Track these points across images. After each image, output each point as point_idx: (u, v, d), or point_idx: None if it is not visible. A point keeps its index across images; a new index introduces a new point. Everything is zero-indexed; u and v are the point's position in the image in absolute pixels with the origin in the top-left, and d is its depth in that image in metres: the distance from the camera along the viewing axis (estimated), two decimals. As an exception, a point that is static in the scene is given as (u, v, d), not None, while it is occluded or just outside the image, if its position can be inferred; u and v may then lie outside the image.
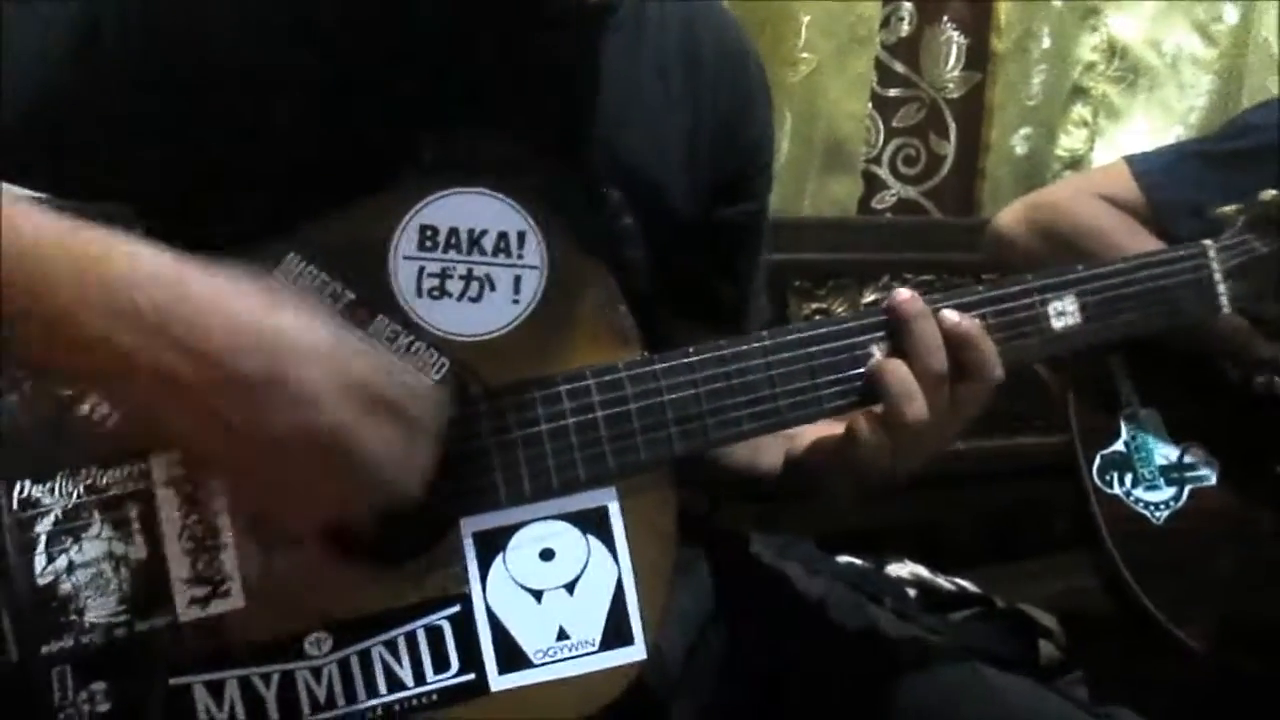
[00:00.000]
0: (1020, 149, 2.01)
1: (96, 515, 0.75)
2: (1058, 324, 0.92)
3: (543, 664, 0.81)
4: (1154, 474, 1.37)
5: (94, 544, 0.75)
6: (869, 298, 1.85)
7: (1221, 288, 1.00)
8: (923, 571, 1.69)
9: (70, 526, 0.75)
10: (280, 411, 0.66)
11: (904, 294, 0.87)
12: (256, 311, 0.67)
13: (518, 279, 0.81)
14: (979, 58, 1.96)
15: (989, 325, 0.89)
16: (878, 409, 0.87)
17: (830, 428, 0.91)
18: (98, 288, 0.65)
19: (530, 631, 0.81)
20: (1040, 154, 2.03)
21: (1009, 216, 1.47)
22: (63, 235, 0.67)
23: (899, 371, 0.85)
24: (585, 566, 0.82)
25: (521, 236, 0.81)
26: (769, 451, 1.01)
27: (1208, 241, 1.01)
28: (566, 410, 0.81)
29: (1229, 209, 1.05)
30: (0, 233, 0.65)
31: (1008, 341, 0.90)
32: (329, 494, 0.69)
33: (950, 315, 0.87)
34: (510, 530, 0.82)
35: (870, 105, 1.89)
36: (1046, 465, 1.55)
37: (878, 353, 0.87)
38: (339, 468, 0.67)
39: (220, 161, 0.81)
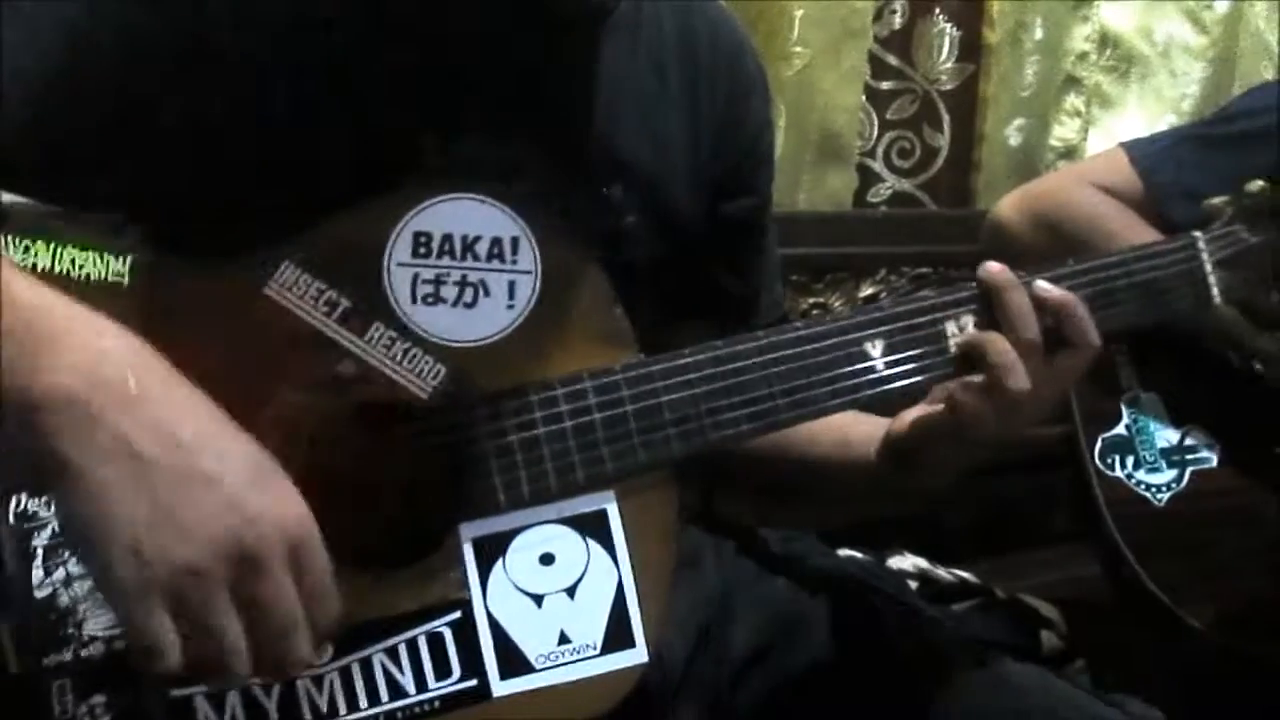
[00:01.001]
0: (1014, 140, 2.01)
1: None
2: None
3: (544, 669, 0.81)
4: (1155, 456, 1.37)
5: None
6: (866, 291, 1.84)
7: (1212, 279, 1.00)
8: (923, 563, 1.68)
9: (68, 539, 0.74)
10: (219, 512, 0.67)
11: (994, 266, 0.90)
12: (229, 426, 0.70)
13: (512, 284, 0.81)
14: (972, 49, 1.96)
15: None
16: (979, 379, 0.88)
17: (926, 406, 0.93)
18: (82, 358, 0.67)
19: (531, 636, 0.81)
20: (1034, 144, 2.02)
21: (1007, 206, 1.47)
22: (53, 306, 0.69)
23: (998, 343, 0.88)
24: (585, 570, 0.82)
25: (515, 242, 0.81)
26: (860, 440, 1.01)
27: (1197, 233, 1.01)
28: (564, 414, 0.81)
29: (1217, 201, 1.06)
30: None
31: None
32: (227, 610, 0.68)
33: (1043, 285, 0.89)
34: (510, 535, 0.81)
35: (864, 98, 1.88)
36: (1045, 456, 1.55)
37: (875, 350, 0.87)
38: (251, 588, 0.67)
39: (216, 168, 0.81)
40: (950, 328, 0.89)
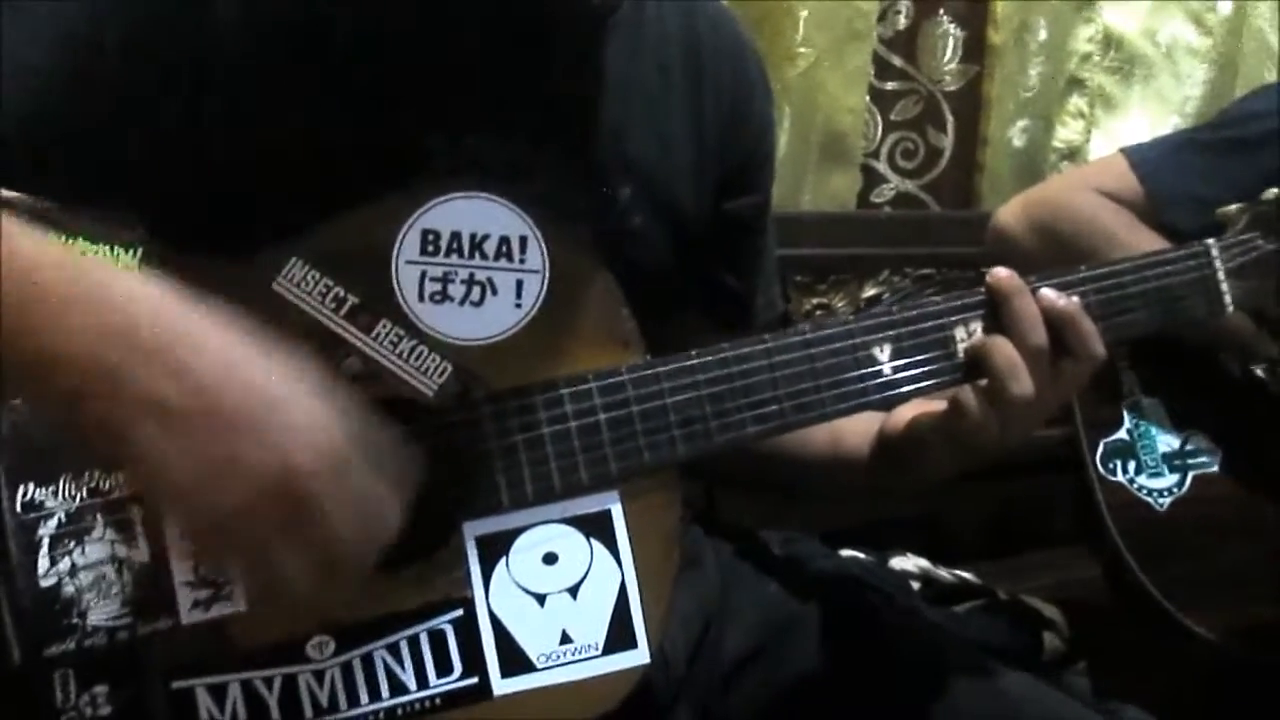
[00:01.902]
0: (1018, 141, 2.01)
1: (99, 518, 0.76)
2: None
3: (546, 668, 0.81)
4: (1157, 461, 1.38)
5: (97, 546, 0.75)
6: (869, 292, 1.84)
7: (1225, 286, 1.00)
8: (925, 564, 1.68)
9: (73, 529, 0.75)
10: (256, 450, 0.66)
11: (1002, 272, 0.90)
12: (250, 353, 0.68)
13: (520, 283, 0.81)
14: (976, 50, 1.96)
15: None
16: (983, 384, 0.88)
17: (929, 404, 0.93)
18: (93, 307, 0.65)
19: (533, 635, 0.81)
20: (1038, 146, 2.03)
21: (1008, 213, 1.47)
22: (61, 256, 0.68)
23: (1004, 349, 0.88)
24: (588, 570, 0.82)
25: (523, 241, 0.81)
26: (854, 437, 1.01)
27: (1210, 241, 1.01)
28: (569, 413, 0.81)
29: (1231, 208, 1.05)
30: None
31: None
32: (286, 539, 0.68)
33: (1049, 293, 0.90)
34: (513, 534, 0.82)
35: (868, 99, 1.88)
36: (1047, 458, 1.55)
37: (882, 354, 0.87)
38: (300, 516, 0.67)
39: (223, 165, 0.81)
40: (959, 333, 0.89)
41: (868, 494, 1.09)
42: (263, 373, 0.67)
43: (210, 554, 0.70)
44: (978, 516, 1.93)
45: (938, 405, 0.92)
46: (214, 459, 0.65)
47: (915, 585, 1.63)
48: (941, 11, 1.93)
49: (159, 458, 0.65)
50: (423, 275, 0.80)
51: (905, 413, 0.96)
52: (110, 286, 0.67)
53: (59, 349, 0.65)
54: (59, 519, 0.75)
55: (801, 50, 1.78)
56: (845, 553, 1.58)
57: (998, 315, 0.89)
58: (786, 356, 0.85)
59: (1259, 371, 1.36)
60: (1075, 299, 0.90)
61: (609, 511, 0.82)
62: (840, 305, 1.81)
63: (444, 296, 0.80)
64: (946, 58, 1.94)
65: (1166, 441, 1.39)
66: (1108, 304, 0.93)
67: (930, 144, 1.96)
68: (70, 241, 0.75)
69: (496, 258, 0.81)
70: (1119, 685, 1.44)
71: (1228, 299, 1.00)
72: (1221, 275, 1.00)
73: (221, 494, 0.66)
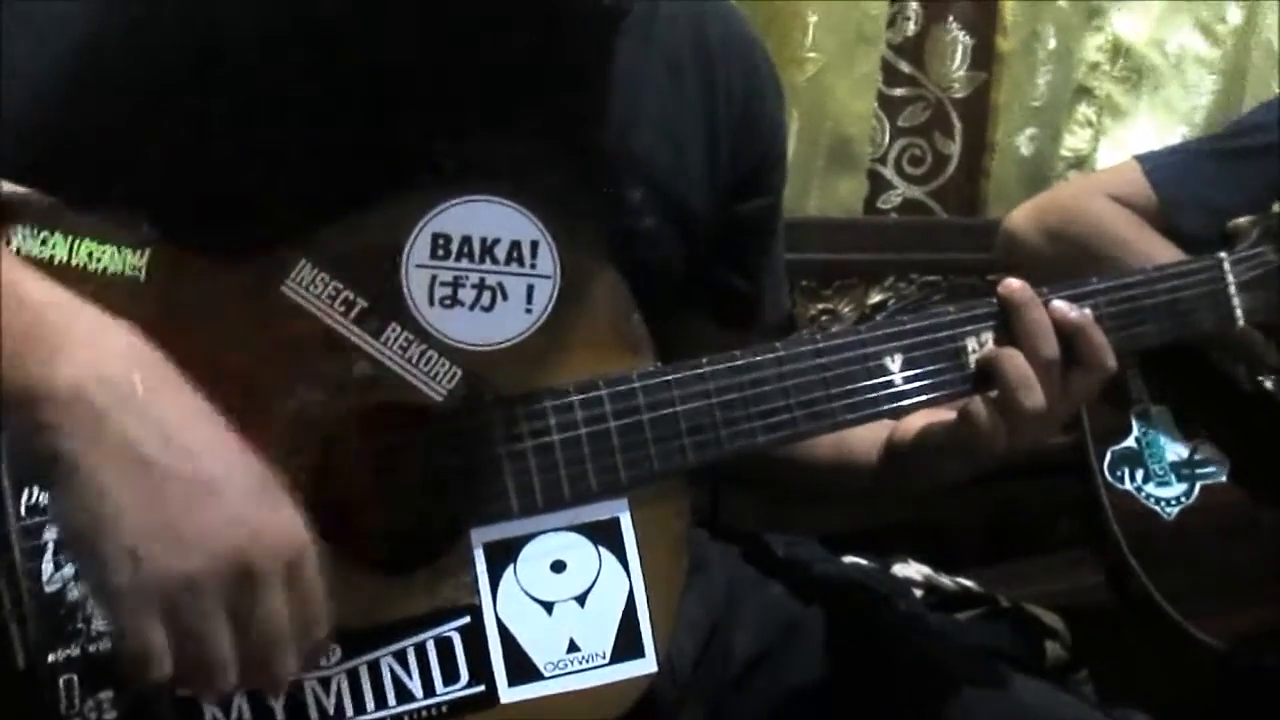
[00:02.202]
0: (1025, 149, 2.00)
1: None
2: None
3: (553, 676, 0.81)
4: (1165, 470, 1.37)
5: None
6: (875, 298, 1.84)
7: (1236, 300, 1.00)
8: (928, 571, 1.68)
9: None
10: (225, 525, 0.66)
11: (1014, 283, 0.90)
12: (234, 440, 0.69)
13: (530, 288, 0.81)
14: (984, 57, 1.95)
15: None
16: (993, 395, 0.88)
17: (939, 413, 0.93)
18: (93, 354, 0.66)
19: (540, 643, 0.81)
20: (1045, 154, 2.02)
21: (1020, 217, 1.46)
22: (64, 297, 0.69)
23: (1015, 360, 0.88)
24: (596, 578, 0.82)
25: (534, 245, 0.81)
26: (861, 443, 1.01)
27: (1222, 254, 1.01)
28: (579, 420, 0.80)
29: (1242, 221, 1.05)
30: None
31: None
32: (222, 624, 0.67)
33: (1060, 305, 0.90)
34: (521, 541, 0.81)
35: (876, 105, 1.88)
36: (1049, 464, 1.54)
37: (893, 364, 0.87)
38: (247, 602, 0.67)
39: (232, 167, 0.81)
40: (971, 344, 0.89)
41: (869, 496, 1.09)
42: (241, 455, 0.68)
43: (132, 616, 0.65)
44: (980, 522, 1.93)
45: (947, 414, 0.92)
46: (179, 520, 0.65)
47: (917, 593, 1.63)
48: (950, 18, 1.92)
49: (120, 500, 0.65)
50: (433, 279, 0.79)
51: (915, 421, 0.96)
52: (105, 335, 0.68)
53: (48, 383, 0.65)
54: None
55: (810, 55, 1.78)
56: (847, 559, 1.58)
57: (1009, 326, 0.89)
58: (798, 365, 0.85)
59: (1268, 383, 1.35)
60: (1087, 311, 0.90)
61: (618, 519, 0.82)
62: (846, 311, 1.81)
63: (454, 301, 0.80)
64: (955, 64, 1.94)
65: (1174, 450, 1.38)
66: (1119, 316, 0.93)
67: (938, 150, 1.95)
68: (78, 243, 0.75)
69: (507, 262, 0.80)
70: (1121, 694, 1.44)
71: (1238, 313, 1.00)
72: (1233, 289, 1.00)
73: (176, 556, 0.65)
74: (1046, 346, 0.88)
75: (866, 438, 1.00)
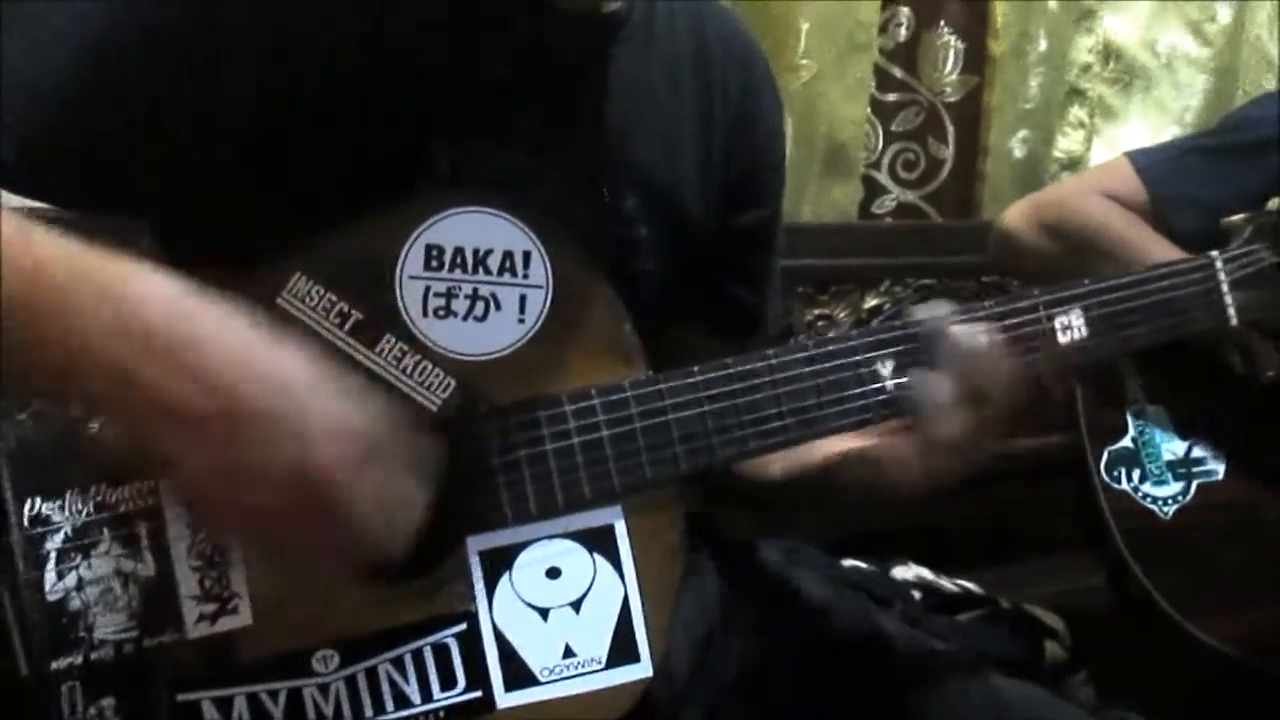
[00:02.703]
0: (1018, 151, 2.01)
1: (106, 532, 0.76)
2: (1064, 338, 0.92)
3: (549, 682, 0.82)
4: (1161, 469, 1.37)
5: (103, 561, 0.76)
6: (871, 302, 1.84)
7: (1229, 299, 1.00)
8: (927, 574, 1.68)
9: (80, 543, 0.75)
10: (276, 448, 0.66)
11: (942, 309, 0.89)
12: (264, 348, 0.67)
13: (523, 298, 0.81)
14: (976, 61, 1.96)
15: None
16: (907, 424, 0.88)
17: (856, 439, 0.92)
18: (106, 309, 0.65)
19: (536, 649, 0.82)
20: (1038, 156, 2.03)
21: (1015, 216, 1.47)
22: (72, 256, 0.67)
23: (931, 388, 0.87)
24: (591, 584, 0.83)
25: (527, 256, 0.81)
26: (778, 460, 1.01)
27: (1214, 253, 1.01)
28: (572, 429, 0.81)
29: (1236, 219, 1.05)
30: (2, 256, 0.65)
31: (1015, 357, 0.90)
32: (312, 536, 0.69)
33: (973, 331, 0.88)
34: (517, 549, 0.82)
35: (869, 110, 1.88)
36: (1048, 466, 1.55)
37: (885, 370, 0.87)
38: (324, 512, 0.67)
39: (227, 178, 0.81)
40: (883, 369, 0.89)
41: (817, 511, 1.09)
42: (278, 370, 0.67)
43: (238, 543, 0.72)
44: (978, 524, 1.93)
45: (865, 439, 0.91)
46: (230, 459, 0.65)
47: (916, 595, 1.63)
48: (942, 22, 1.93)
49: (178, 459, 0.66)
50: (426, 290, 0.80)
51: (840, 444, 0.95)
52: (121, 287, 0.66)
53: (73, 355, 0.65)
54: (65, 533, 0.75)
55: (803, 62, 1.79)
56: (847, 563, 1.58)
57: (929, 354, 0.88)
58: (789, 372, 0.85)
59: (1265, 378, 1.36)
60: (998, 335, 0.89)
61: (612, 526, 0.83)
62: (842, 316, 1.81)
63: (448, 312, 0.80)
64: (947, 69, 1.95)
65: (1171, 449, 1.39)
66: (1111, 317, 0.93)
67: (931, 154, 1.96)
68: None
69: (500, 273, 0.81)
70: (1121, 694, 1.44)
71: (1231, 311, 1.00)
72: (1225, 287, 1.00)
73: (240, 492, 0.66)
74: (964, 376, 0.87)
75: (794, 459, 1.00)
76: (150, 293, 0.67)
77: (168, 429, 0.65)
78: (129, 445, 0.68)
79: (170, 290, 0.67)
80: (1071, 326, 0.92)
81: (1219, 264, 1.00)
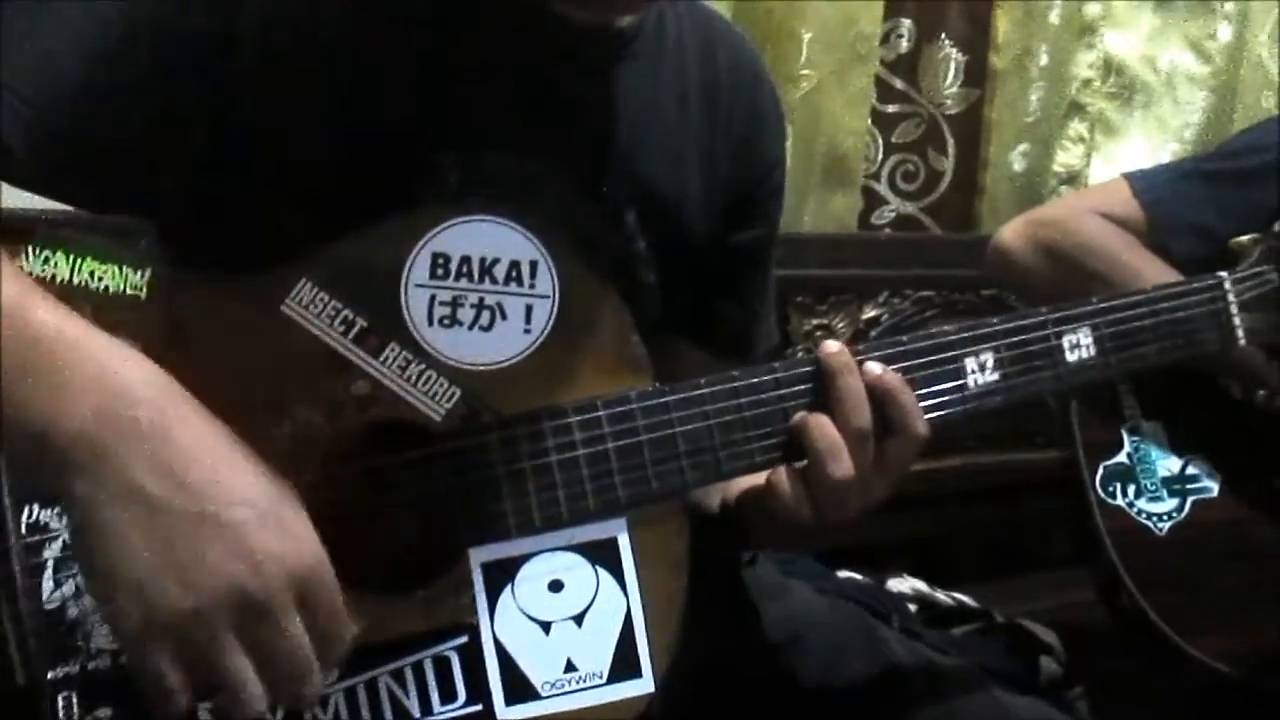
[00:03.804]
0: (1018, 165, 2.02)
1: None
2: (1072, 357, 0.91)
3: (550, 696, 0.81)
4: (1157, 486, 1.37)
5: None
6: (869, 313, 1.84)
7: (1238, 320, 1.00)
8: (922, 586, 1.68)
9: None
10: (230, 564, 0.67)
11: (830, 347, 0.85)
12: (235, 465, 0.69)
13: (529, 308, 0.81)
14: (977, 75, 1.97)
15: (913, 380, 0.87)
16: (800, 464, 0.85)
17: (755, 479, 0.89)
18: (96, 387, 0.67)
19: (538, 663, 0.81)
20: (1038, 170, 2.03)
21: (1010, 233, 1.47)
22: (70, 327, 0.69)
23: (824, 428, 0.83)
24: (594, 598, 0.82)
25: (534, 265, 0.81)
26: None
27: (1223, 274, 1.01)
28: (577, 441, 0.81)
29: (1245, 239, 1.06)
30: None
31: (1021, 375, 0.89)
32: (235, 651, 0.68)
33: (874, 369, 0.85)
34: (519, 561, 0.81)
35: (870, 121, 1.89)
36: (1044, 480, 1.55)
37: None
38: (257, 629, 0.68)
39: (237, 183, 0.81)
40: (970, 364, 0.89)
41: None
42: (245, 487, 0.69)
43: (143, 652, 0.67)
44: (974, 538, 1.93)
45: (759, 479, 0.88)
46: (181, 557, 0.66)
47: (912, 608, 1.63)
48: (943, 35, 1.94)
49: (124, 540, 0.66)
50: (432, 299, 0.80)
51: (744, 483, 0.92)
52: (112, 370, 0.68)
53: (54, 422, 0.66)
54: (64, 541, 0.74)
55: (804, 73, 1.79)
56: (843, 574, 1.58)
57: (823, 393, 0.85)
58: (796, 388, 0.85)
59: (1260, 396, 1.36)
60: (898, 375, 0.86)
61: (616, 539, 0.82)
62: (840, 326, 1.81)
63: (453, 320, 0.80)
64: (948, 81, 1.95)
65: (1166, 466, 1.38)
66: (1119, 336, 0.93)
67: (931, 167, 1.96)
68: (80, 262, 0.75)
69: (506, 282, 0.81)
70: (1116, 711, 1.44)
71: (1240, 332, 1.00)
72: (1234, 309, 1.00)
73: (179, 593, 0.66)
74: (857, 415, 0.84)
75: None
76: (137, 379, 0.69)
77: (124, 511, 0.66)
78: (81, 517, 0.67)
79: (158, 381, 0.69)
80: (1079, 345, 0.92)
81: (1228, 285, 1.00)
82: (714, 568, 1.08)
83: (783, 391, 0.85)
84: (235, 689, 0.68)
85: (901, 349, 0.88)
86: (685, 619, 0.84)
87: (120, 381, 0.68)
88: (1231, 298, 1.00)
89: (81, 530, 0.67)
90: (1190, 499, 1.37)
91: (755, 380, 0.84)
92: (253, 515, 0.68)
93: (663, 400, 0.82)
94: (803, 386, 0.86)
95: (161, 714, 0.68)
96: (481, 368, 0.80)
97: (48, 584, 0.74)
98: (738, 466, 0.84)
